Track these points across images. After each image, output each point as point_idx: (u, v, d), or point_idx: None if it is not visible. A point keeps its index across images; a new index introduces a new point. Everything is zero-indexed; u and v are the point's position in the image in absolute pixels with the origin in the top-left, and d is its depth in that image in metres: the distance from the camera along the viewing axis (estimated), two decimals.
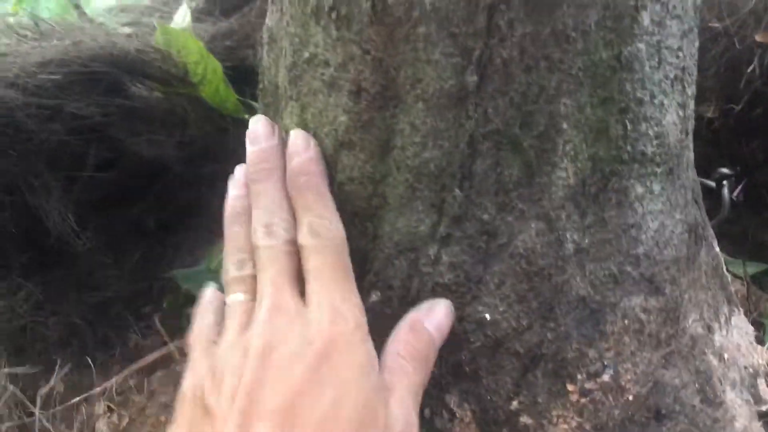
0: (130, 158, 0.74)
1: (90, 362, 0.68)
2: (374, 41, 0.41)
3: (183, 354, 0.68)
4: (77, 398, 0.59)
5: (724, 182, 0.70)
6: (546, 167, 0.41)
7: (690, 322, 0.45)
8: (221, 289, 0.47)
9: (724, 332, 0.48)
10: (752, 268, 0.70)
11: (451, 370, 0.44)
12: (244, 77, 0.89)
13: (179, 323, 0.73)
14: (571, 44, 0.39)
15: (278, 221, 0.44)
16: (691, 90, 0.44)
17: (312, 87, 0.44)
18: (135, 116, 0.74)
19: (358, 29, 0.41)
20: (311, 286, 0.42)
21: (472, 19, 0.38)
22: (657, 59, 0.41)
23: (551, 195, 0.42)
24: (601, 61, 0.40)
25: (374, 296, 0.44)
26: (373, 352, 0.41)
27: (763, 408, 0.46)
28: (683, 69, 0.43)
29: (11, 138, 0.65)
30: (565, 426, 0.42)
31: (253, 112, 0.87)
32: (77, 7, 1.15)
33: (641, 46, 0.40)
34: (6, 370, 0.57)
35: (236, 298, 0.44)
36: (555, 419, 0.42)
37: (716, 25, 0.70)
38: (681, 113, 0.43)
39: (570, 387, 0.43)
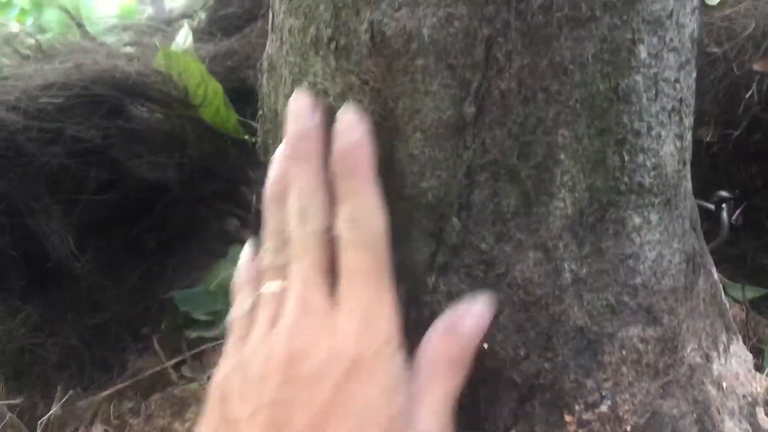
0: (130, 180, 0.74)
1: (88, 384, 0.68)
2: (373, 72, 0.41)
3: (181, 377, 0.68)
4: (75, 424, 0.59)
5: (723, 205, 0.71)
6: (544, 197, 0.41)
7: (688, 351, 0.45)
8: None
9: (723, 361, 0.48)
10: (751, 293, 0.70)
11: None
12: (244, 98, 0.90)
13: (178, 344, 0.73)
14: (569, 76, 0.39)
15: (314, 208, 0.41)
16: (688, 121, 0.44)
17: None
18: (135, 138, 0.74)
19: (356, 60, 0.41)
20: (344, 286, 0.40)
21: (470, 52, 0.39)
22: (654, 91, 0.41)
23: (549, 225, 0.42)
24: (598, 93, 0.40)
25: None
26: (403, 366, 0.39)
27: None
28: (680, 100, 0.43)
29: (12, 161, 0.66)
30: None
31: (253, 132, 0.87)
32: (80, 25, 1.16)
33: (638, 78, 0.40)
34: (3, 402, 0.57)
35: (268, 288, 0.42)
36: None
37: (715, 50, 0.71)
38: (678, 144, 0.44)
39: (568, 417, 0.43)
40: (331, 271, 0.40)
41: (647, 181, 0.42)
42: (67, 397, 0.59)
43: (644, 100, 0.41)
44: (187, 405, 0.62)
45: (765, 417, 0.47)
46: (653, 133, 0.42)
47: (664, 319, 0.44)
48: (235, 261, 0.79)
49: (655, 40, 0.40)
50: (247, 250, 0.48)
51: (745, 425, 0.46)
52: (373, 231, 0.40)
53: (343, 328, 0.38)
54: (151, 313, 0.77)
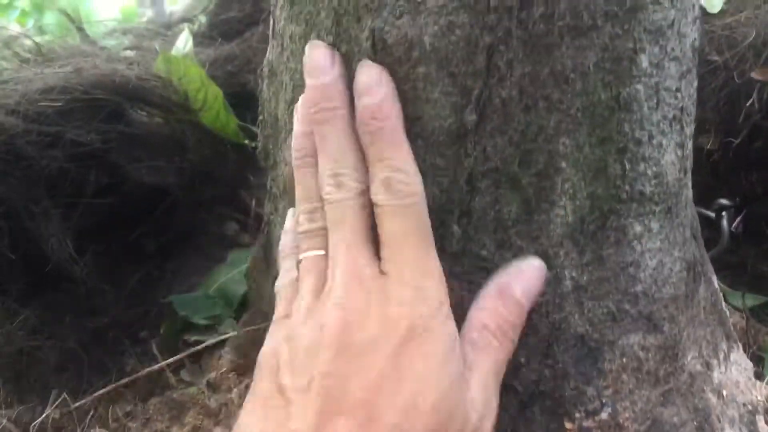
0: (130, 184, 0.75)
1: (87, 388, 0.68)
2: None
3: (180, 381, 0.68)
4: (72, 428, 0.59)
5: (724, 213, 0.71)
6: (544, 205, 0.41)
7: (689, 359, 0.45)
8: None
9: (723, 369, 0.48)
10: (751, 301, 0.70)
11: None
12: (244, 102, 0.90)
13: (176, 349, 0.73)
14: (570, 85, 0.39)
15: (348, 170, 0.40)
16: (689, 129, 0.45)
17: None
18: (135, 142, 0.74)
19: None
20: (389, 253, 0.39)
21: (472, 60, 0.39)
22: (655, 100, 0.41)
23: (550, 232, 0.42)
24: (599, 101, 0.40)
25: None
26: (455, 333, 0.39)
27: None
28: (681, 109, 0.43)
29: (11, 164, 0.66)
30: None
31: (253, 136, 0.87)
32: (80, 29, 1.16)
33: (640, 87, 0.40)
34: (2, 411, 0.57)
35: (309, 254, 0.41)
36: None
37: (716, 58, 0.71)
38: (679, 153, 0.44)
39: (568, 425, 0.43)
40: (370, 235, 0.40)
41: (648, 189, 0.42)
42: (60, 399, 0.59)
43: (645, 109, 0.41)
44: (186, 409, 0.61)
45: (765, 425, 0.47)
46: (654, 141, 0.42)
47: (664, 326, 0.44)
48: (233, 266, 0.80)
49: (656, 49, 0.40)
50: (290, 218, 0.48)
51: None
52: (412, 194, 0.39)
53: (395, 297, 0.38)
54: (149, 318, 0.77)
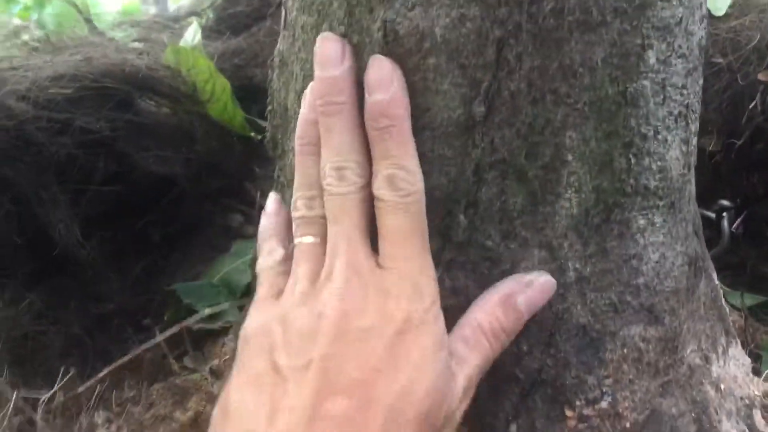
0: (137, 173, 0.75)
1: (90, 373, 0.69)
2: None
3: (183, 367, 0.68)
4: (77, 410, 0.60)
5: (724, 214, 0.71)
6: (550, 197, 0.42)
7: (688, 352, 0.46)
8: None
9: (722, 363, 0.48)
10: (750, 300, 0.71)
11: None
12: (251, 95, 0.91)
13: (179, 336, 0.74)
14: (578, 79, 0.40)
15: (351, 164, 0.41)
16: (694, 126, 0.45)
17: None
18: (143, 132, 0.75)
19: (369, 59, 0.42)
20: (388, 248, 0.40)
21: (482, 52, 0.39)
22: (662, 96, 0.42)
23: (554, 224, 0.42)
24: (606, 96, 0.41)
25: None
26: (444, 328, 0.40)
27: None
28: (687, 106, 0.44)
29: (21, 150, 0.66)
30: None
31: (259, 129, 0.88)
32: (88, 21, 1.16)
33: (646, 83, 0.41)
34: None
35: (306, 240, 0.42)
36: None
37: (720, 60, 0.72)
38: (684, 148, 0.44)
39: (568, 413, 0.43)
40: (368, 228, 0.41)
41: (652, 183, 0.43)
42: (69, 376, 0.60)
43: (652, 104, 0.42)
44: (189, 394, 0.62)
45: (762, 420, 0.48)
46: (660, 137, 0.43)
47: (665, 319, 0.45)
48: (238, 256, 0.81)
49: (663, 46, 0.41)
50: (272, 201, 0.49)
51: (742, 426, 0.47)
52: (414, 193, 0.40)
53: (394, 291, 0.39)
54: (153, 305, 0.77)
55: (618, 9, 0.39)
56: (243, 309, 0.70)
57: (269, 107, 0.57)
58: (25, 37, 0.93)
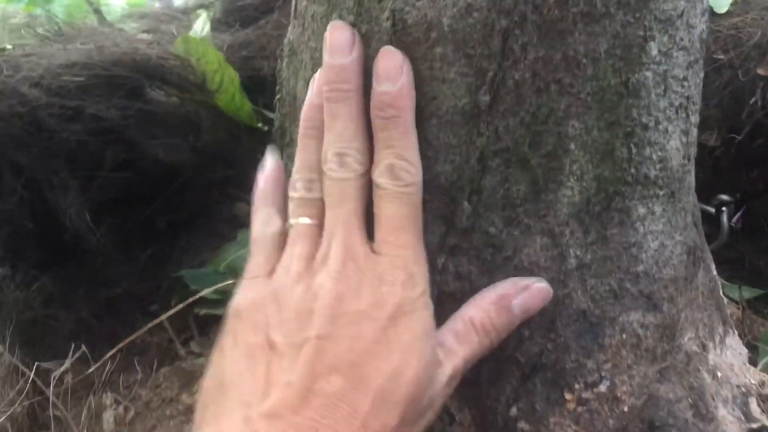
0: (146, 161, 0.76)
1: (98, 357, 0.70)
2: None
3: (190, 352, 0.69)
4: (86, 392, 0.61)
5: (724, 209, 0.72)
6: (552, 185, 0.43)
7: (686, 339, 0.47)
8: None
9: (718, 351, 0.49)
10: (748, 293, 0.72)
11: None
12: (258, 87, 0.92)
13: (186, 322, 0.75)
14: (582, 70, 0.41)
15: (352, 152, 0.42)
16: (694, 118, 0.46)
17: None
18: (153, 120, 0.76)
19: (377, 47, 0.42)
20: (384, 235, 0.41)
21: (488, 42, 0.40)
22: (663, 87, 0.43)
23: (556, 212, 0.43)
24: (609, 86, 0.41)
25: None
26: (433, 318, 0.41)
27: (754, 426, 0.47)
28: (688, 98, 0.44)
29: (33, 136, 0.67)
30: None
31: (266, 120, 0.89)
32: (97, 11, 1.18)
33: (648, 74, 0.42)
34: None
35: (303, 220, 0.43)
36: (552, 426, 0.44)
37: (721, 56, 0.72)
38: (684, 139, 0.45)
39: (568, 396, 0.44)
40: (365, 215, 0.42)
41: (653, 173, 0.44)
42: (79, 354, 0.61)
43: (653, 95, 0.43)
44: (195, 378, 0.63)
45: (757, 407, 0.49)
46: (660, 127, 0.44)
47: (663, 306, 0.46)
48: (243, 244, 0.82)
49: (665, 38, 0.42)
50: (271, 162, 0.49)
51: (738, 413, 0.48)
52: (412, 183, 0.41)
53: (388, 277, 0.40)
54: (160, 291, 0.78)
55: (621, 1, 0.40)
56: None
57: (278, 96, 0.58)
58: (38, 28, 0.94)
